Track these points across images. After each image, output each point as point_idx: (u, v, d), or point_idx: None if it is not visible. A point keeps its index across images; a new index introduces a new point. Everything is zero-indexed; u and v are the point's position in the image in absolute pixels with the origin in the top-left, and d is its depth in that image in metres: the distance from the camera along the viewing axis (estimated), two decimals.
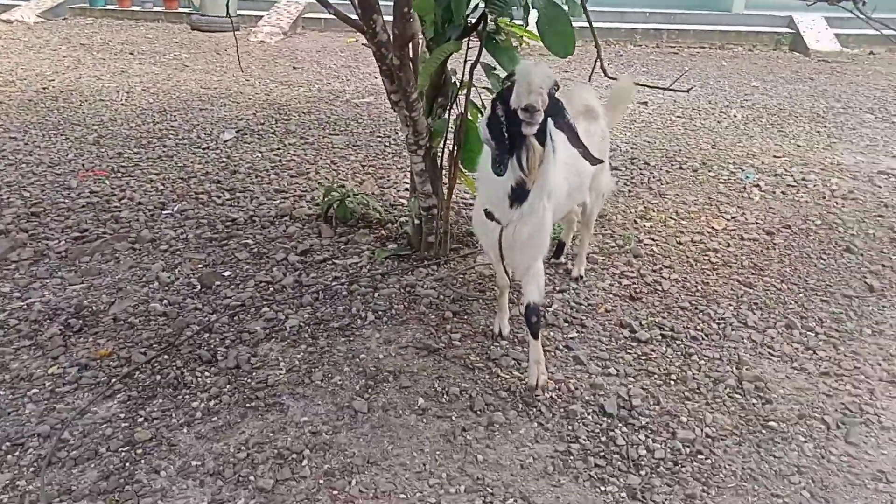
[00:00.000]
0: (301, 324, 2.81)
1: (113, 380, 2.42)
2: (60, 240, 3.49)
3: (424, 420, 2.27)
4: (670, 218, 3.92)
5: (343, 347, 2.66)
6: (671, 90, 3.03)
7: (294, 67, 7.83)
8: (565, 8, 2.87)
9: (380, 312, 2.91)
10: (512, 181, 2.16)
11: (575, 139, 2.12)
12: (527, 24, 3.08)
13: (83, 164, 4.57)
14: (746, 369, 2.54)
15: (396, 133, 5.52)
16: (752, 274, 3.29)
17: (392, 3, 2.71)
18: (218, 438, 2.16)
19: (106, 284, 3.10)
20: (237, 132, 5.42)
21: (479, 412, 2.31)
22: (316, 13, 10.64)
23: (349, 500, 1.93)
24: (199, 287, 3.11)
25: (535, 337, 2.42)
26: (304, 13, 10.54)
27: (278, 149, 5.07)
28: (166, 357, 2.57)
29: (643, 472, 2.04)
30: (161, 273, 3.18)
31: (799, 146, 5.35)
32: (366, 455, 2.10)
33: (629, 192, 4.31)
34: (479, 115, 3.15)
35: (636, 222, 3.86)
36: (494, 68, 3.11)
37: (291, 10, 10.29)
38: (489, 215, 2.31)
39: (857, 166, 4.88)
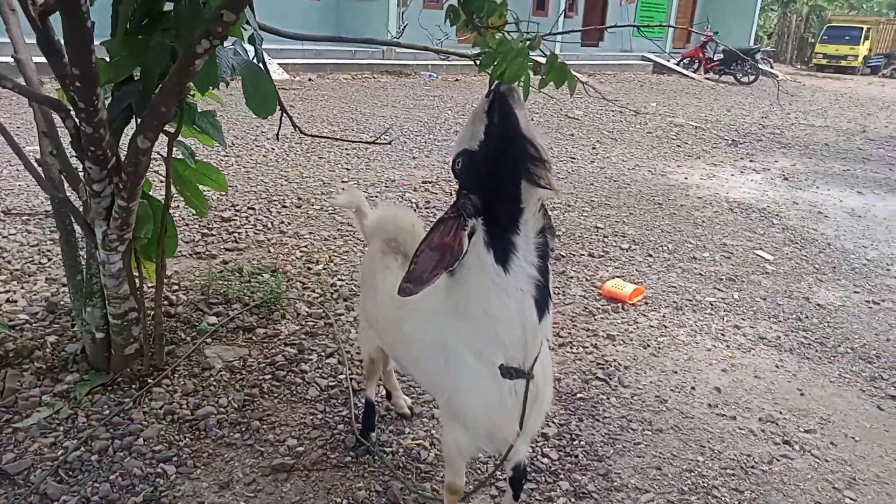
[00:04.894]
0: None
1: None
2: None
3: None
4: (334, 255, 4.06)
5: None
6: (376, 143, 3.17)
7: None
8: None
9: (174, 460, 2.25)
10: (531, 264, 1.49)
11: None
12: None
13: None
14: None
15: None
16: None
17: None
18: None
19: None
20: None
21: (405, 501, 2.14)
22: None
23: None
24: None
25: (518, 498, 1.97)
26: None
27: None
28: None
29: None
30: None
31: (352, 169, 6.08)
32: None
33: (277, 240, 4.22)
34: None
35: (310, 268, 3.86)
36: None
37: None
38: (510, 372, 1.56)
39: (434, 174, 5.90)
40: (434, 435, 2.48)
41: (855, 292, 4.12)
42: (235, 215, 4.63)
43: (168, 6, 2.24)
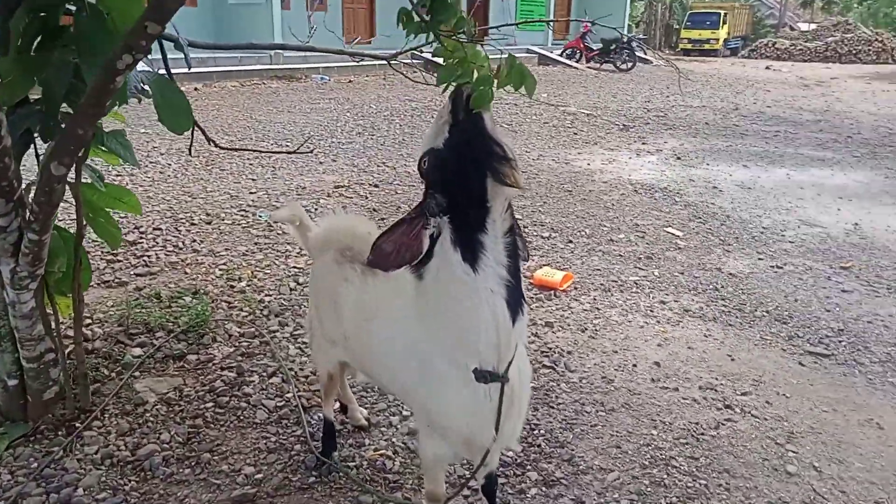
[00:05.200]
0: None
1: None
2: None
3: None
4: (256, 270, 3.89)
5: None
6: (297, 152, 3.04)
7: None
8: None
9: None
10: (500, 264, 1.45)
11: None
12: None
13: None
14: None
15: None
16: None
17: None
18: None
19: None
20: None
21: None
22: None
23: None
24: None
25: None
26: None
27: None
28: None
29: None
30: None
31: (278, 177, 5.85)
32: None
33: (192, 260, 3.99)
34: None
35: (233, 286, 3.68)
36: None
37: None
38: (485, 376, 1.51)
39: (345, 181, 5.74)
40: (395, 443, 2.43)
41: (759, 259, 4.42)
42: (141, 238, 4.34)
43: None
